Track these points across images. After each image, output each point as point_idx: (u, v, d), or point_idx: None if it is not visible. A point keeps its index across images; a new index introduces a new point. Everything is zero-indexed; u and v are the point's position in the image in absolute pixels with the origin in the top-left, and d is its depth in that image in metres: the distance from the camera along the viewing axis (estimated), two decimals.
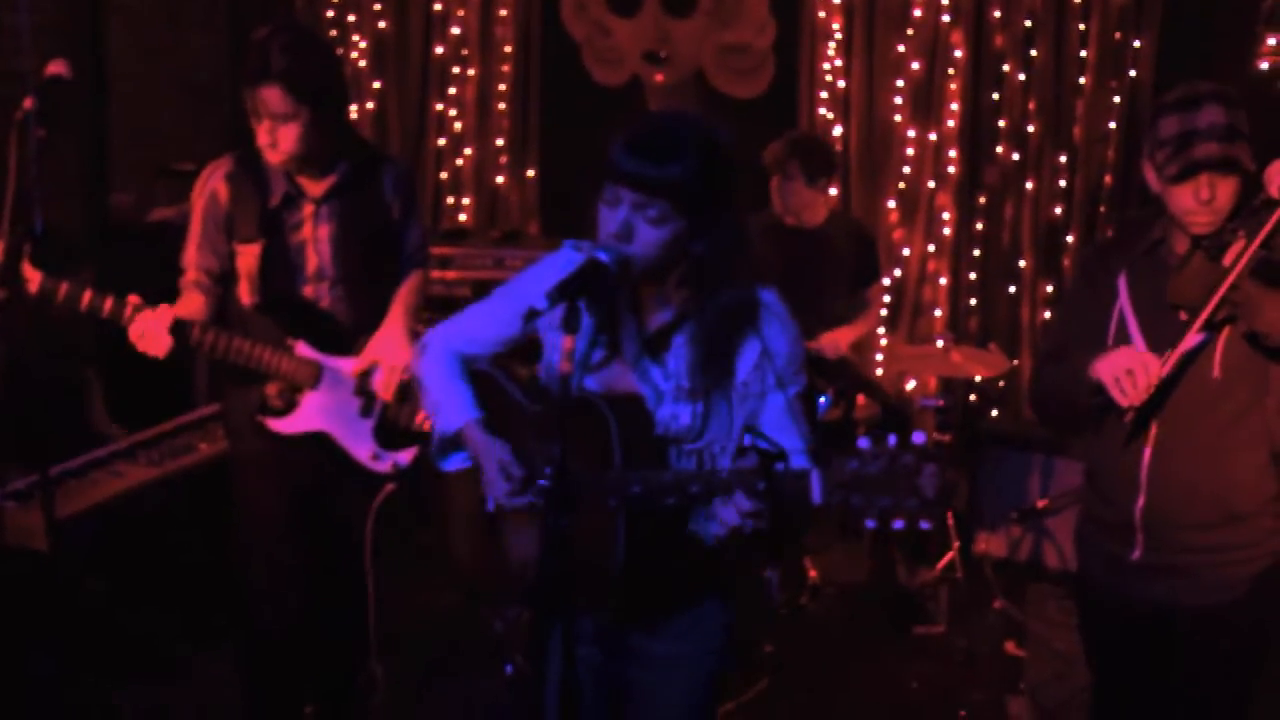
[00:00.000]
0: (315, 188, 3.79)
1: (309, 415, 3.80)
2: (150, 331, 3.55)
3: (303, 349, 3.77)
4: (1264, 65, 5.75)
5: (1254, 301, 2.81)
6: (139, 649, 4.56)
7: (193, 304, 3.77)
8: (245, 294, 3.77)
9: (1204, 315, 2.85)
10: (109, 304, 3.57)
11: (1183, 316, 2.91)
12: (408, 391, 3.83)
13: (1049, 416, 3.40)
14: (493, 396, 2.89)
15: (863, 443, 2.32)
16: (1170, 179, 2.90)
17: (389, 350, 3.81)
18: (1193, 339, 2.92)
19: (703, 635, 2.90)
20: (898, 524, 2.32)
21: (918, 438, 2.31)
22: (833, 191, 7.40)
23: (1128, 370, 2.87)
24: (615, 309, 2.70)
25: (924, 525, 2.31)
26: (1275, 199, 2.74)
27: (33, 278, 3.53)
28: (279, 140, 3.60)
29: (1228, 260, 2.83)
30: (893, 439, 2.30)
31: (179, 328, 3.58)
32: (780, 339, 2.73)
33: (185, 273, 3.83)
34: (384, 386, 3.80)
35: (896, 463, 2.27)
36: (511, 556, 2.82)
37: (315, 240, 3.79)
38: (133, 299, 3.59)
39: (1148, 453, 3.07)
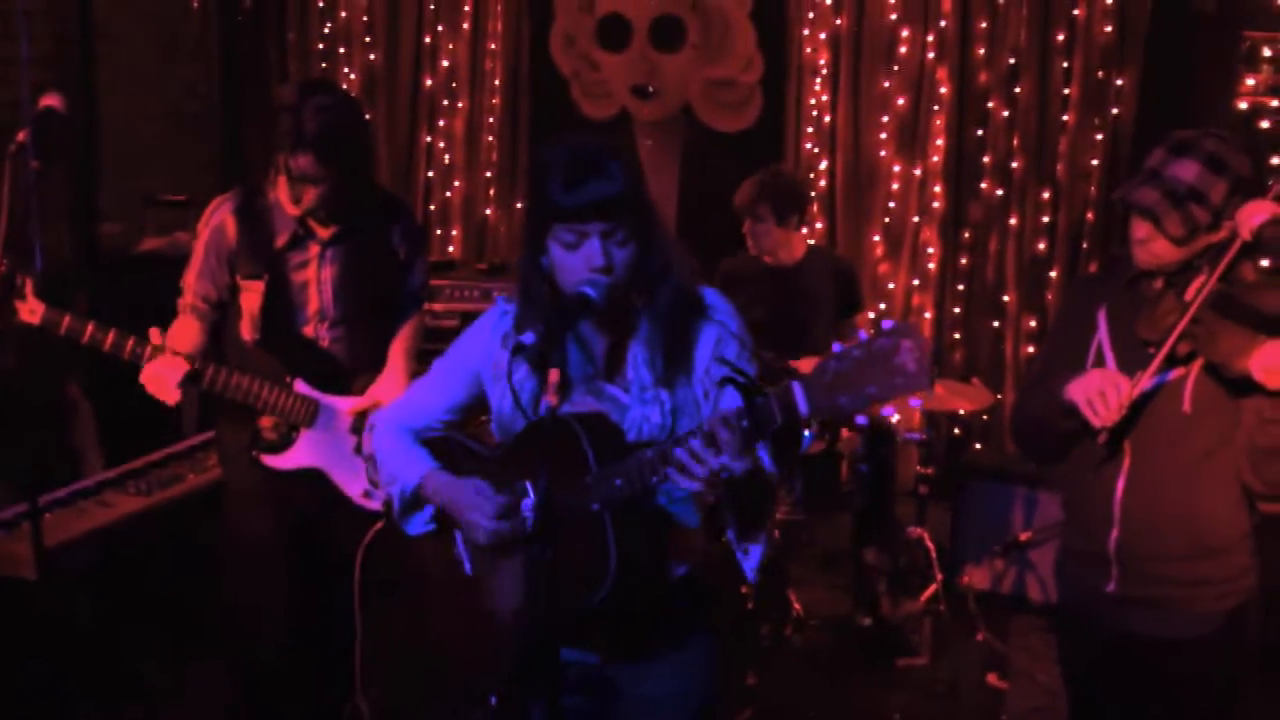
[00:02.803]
0: (324, 231, 3.82)
1: (304, 452, 3.83)
2: (163, 378, 3.57)
3: (301, 386, 3.80)
4: (1243, 105, 5.82)
5: (1211, 334, 2.86)
6: (128, 678, 4.56)
7: (189, 329, 3.80)
8: (246, 330, 3.80)
9: (1165, 348, 2.90)
10: (130, 344, 3.58)
11: (1151, 351, 2.96)
12: None
13: (1029, 444, 3.44)
14: (451, 454, 2.88)
15: (836, 347, 2.26)
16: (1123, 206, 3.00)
17: (390, 391, 3.85)
18: (1157, 374, 2.96)
19: (691, 673, 2.88)
20: (888, 411, 2.30)
21: (886, 324, 2.25)
22: (818, 225, 7.49)
23: (1100, 391, 2.91)
24: (560, 349, 2.65)
25: (914, 403, 2.26)
26: (1239, 236, 2.79)
27: (36, 309, 3.54)
28: (303, 197, 3.65)
29: (1189, 294, 2.89)
30: (863, 334, 2.24)
31: (189, 380, 3.61)
32: (732, 316, 2.76)
33: (184, 294, 3.85)
34: None
35: (873, 348, 2.20)
36: (501, 609, 2.78)
37: (319, 281, 3.82)
38: (154, 338, 3.61)
39: (1121, 485, 3.10)
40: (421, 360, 3.77)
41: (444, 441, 2.91)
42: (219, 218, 3.81)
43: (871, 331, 2.24)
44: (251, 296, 3.77)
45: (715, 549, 2.88)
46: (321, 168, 3.59)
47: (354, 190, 3.74)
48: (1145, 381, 2.94)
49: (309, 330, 3.85)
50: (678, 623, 2.84)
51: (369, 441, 2.97)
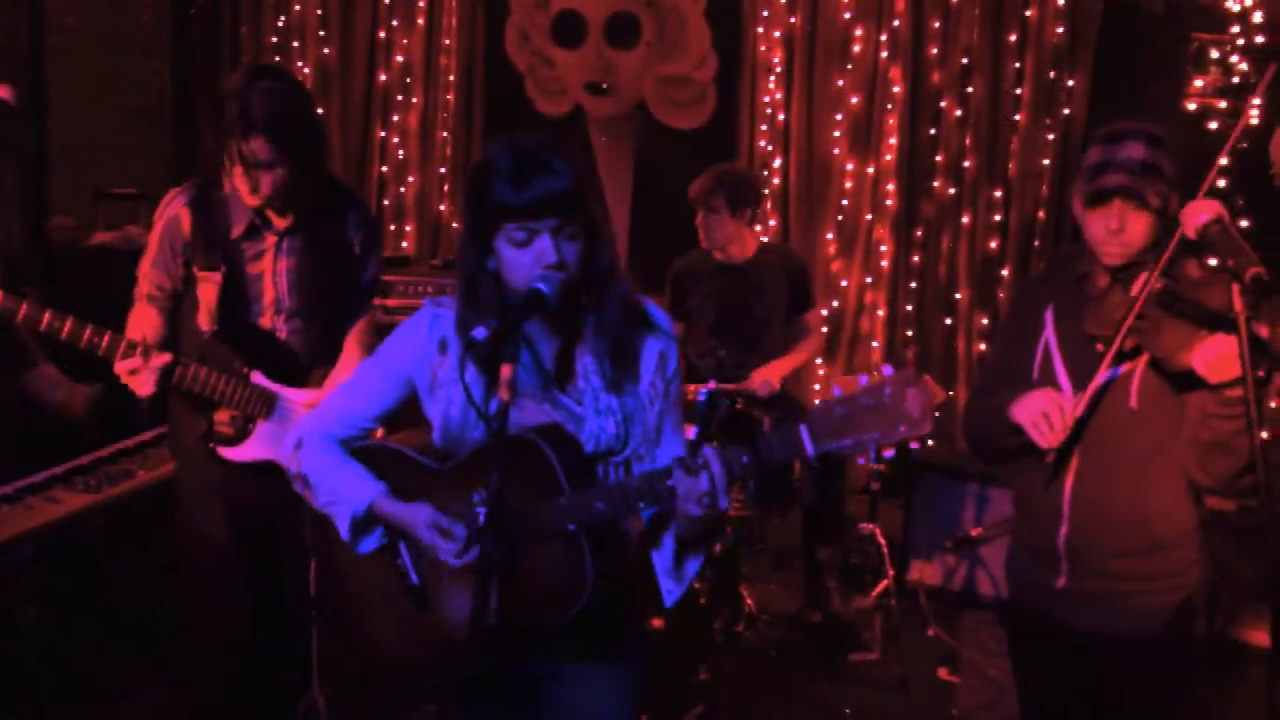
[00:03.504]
0: (280, 221, 3.80)
1: (260, 444, 3.80)
2: (144, 374, 3.54)
3: (258, 378, 3.77)
4: (1192, 106, 5.88)
5: (1156, 329, 2.89)
6: (77, 676, 4.53)
7: (149, 317, 3.75)
8: (204, 320, 3.76)
9: (1115, 345, 2.93)
10: (105, 340, 3.54)
11: (1099, 348, 2.99)
12: None
13: (977, 450, 3.47)
14: (392, 466, 2.82)
15: (837, 390, 2.34)
16: (1084, 204, 3.01)
17: None
18: (1109, 369, 3.00)
19: (626, 651, 2.90)
20: (889, 454, 2.37)
21: (887, 370, 2.33)
22: (771, 223, 7.52)
23: (1044, 413, 2.95)
24: (513, 347, 2.58)
25: (913, 446, 2.31)
26: (1182, 233, 2.82)
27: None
28: (260, 186, 3.62)
29: (1135, 290, 2.92)
30: (864, 379, 2.31)
31: (165, 374, 3.58)
32: (670, 344, 2.77)
33: (139, 283, 3.81)
34: None
35: (881, 397, 2.28)
36: (449, 620, 2.75)
37: (275, 273, 3.80)
38: (140, 342, 3.58)
39: (1070, 481, 3.13)
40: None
41: (385, 454, 2.85)
42: (174, 209, 3.77)
43: (873, 376, 2.31)
44: (208, 288, 3.73)
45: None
46: (274, 150, 3.56)
47: (309, 176, 3.72)
48: (1088, 396, 2.98)
49: (265, 322, 3.82)
50: (621, 629, 2.88)
51: (297, 460, 2.87)
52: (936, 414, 2.19)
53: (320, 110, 8.13)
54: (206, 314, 3.74)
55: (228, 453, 3.78)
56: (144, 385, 3.57)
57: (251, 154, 3.56)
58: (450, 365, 2.71)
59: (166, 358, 3.56)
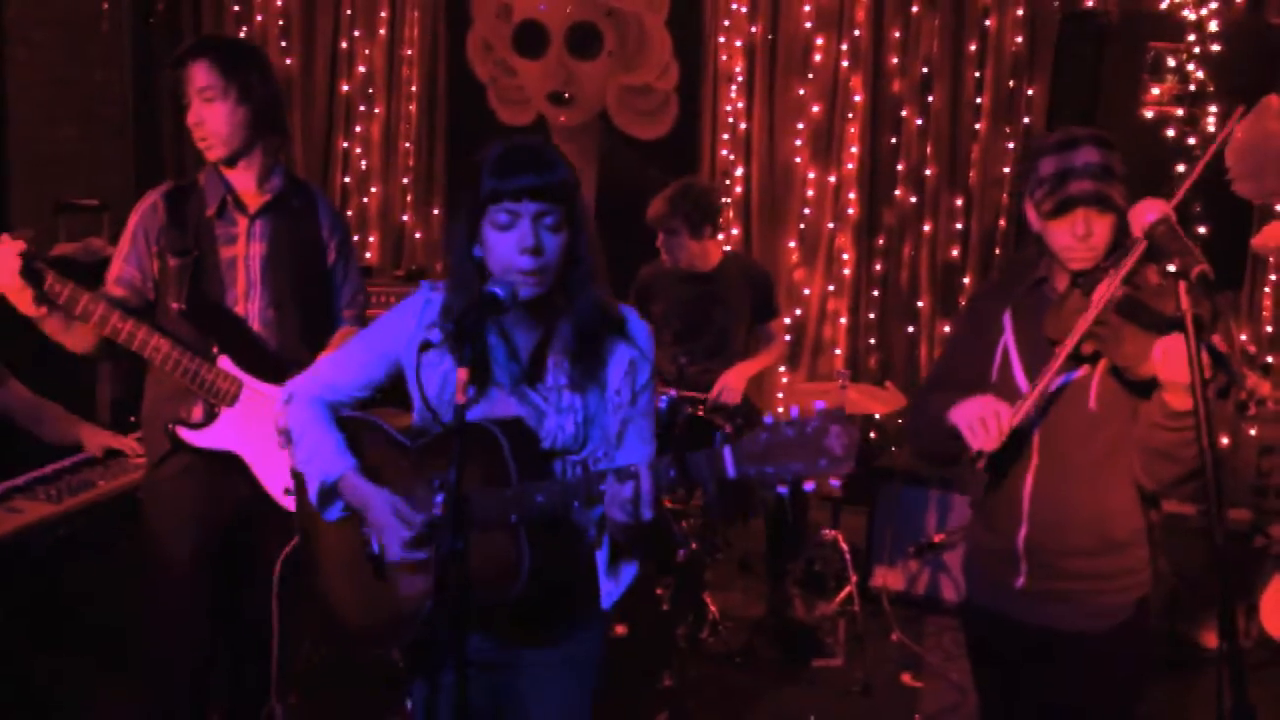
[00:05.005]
0: (253, 199, 3.78)
1: (223, 432, 3.75)
2: None
3: (225, 362, 3.74)
4: (1149, 113, 5.94)
5: (1116, 336, 2.92)
6: (35, 687, 4.49)
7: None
8: (173, 298, 3.73)
9: (1067, 349, 2.96)
10: None
11: (1057, 351, 3.02)
12: None
13: (920, 452, 3.50)
14: (368, 439, 2.91)
15: (768, 419, 2.38)
16: (1048, 215, 3.02)
17: None
18: (1061, 372, 3.03)
19: (580, 640, 2.95)
20: (809, 486, 2.41)
21: (818, 405, 2.38)
22: (734, 232, 7.54)
23: (981, 418, 2.98)
24: (483, 343, 2.75)
25: (834, 483, 2.36)
26: (1140, 237, 2.85)
27: None
28: (206, 119, 3.63)
29: (1096, 296, 2.95)
30: (795, 410, 2.36)
31: (31, 270, 3.47)
32: (650, 345, 2.84)
33: (105, 285, 3.78)
34: None
35: (805, 429, 2.33)
36: (403, 594, 2.81)
37: (247, 257, 3.78)
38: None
39: (1029, 481, 3.16)
40: None
41: (366, 425, 2.93)
42: (150, 199, 3.77)
43: (804, 410, 2.36)
44: (181, 270, 3.71)
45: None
46: (218, 76, 3.59)
47: (262, 124, 3.71)
48: (1029, 404, 3.01)
49: (239, 309, 3.80)
50: (573, 618, 2.92)
51: (284, 415, 2.98)
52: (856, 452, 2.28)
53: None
54: (176, 293, 3.71)
55: (190, 435, 3.74)
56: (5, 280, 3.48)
57: (193, 82, 3.58)
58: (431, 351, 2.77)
59: (22, 243, 3.46)
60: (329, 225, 3.97)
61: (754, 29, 7.57)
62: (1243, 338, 2.92)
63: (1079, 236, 2.98)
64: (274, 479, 3.81)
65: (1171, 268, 2.52)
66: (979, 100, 7.28)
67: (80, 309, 3.58)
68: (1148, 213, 2.69)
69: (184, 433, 3.75)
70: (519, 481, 2.62)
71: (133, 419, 4.51)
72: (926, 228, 7.45)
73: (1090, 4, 6.90)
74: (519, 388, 2.78)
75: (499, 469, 2.63)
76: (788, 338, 6.73)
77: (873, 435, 7.47)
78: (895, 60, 7.38)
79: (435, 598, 2.45)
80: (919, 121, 7.38)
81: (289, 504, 3.78)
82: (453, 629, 2.45)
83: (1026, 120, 7.16)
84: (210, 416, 3.76)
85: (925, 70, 7.34)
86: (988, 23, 7.19)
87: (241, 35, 8.21)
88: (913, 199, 7.46)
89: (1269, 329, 6.66)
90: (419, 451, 2.83)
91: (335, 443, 2.88)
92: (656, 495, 2.48)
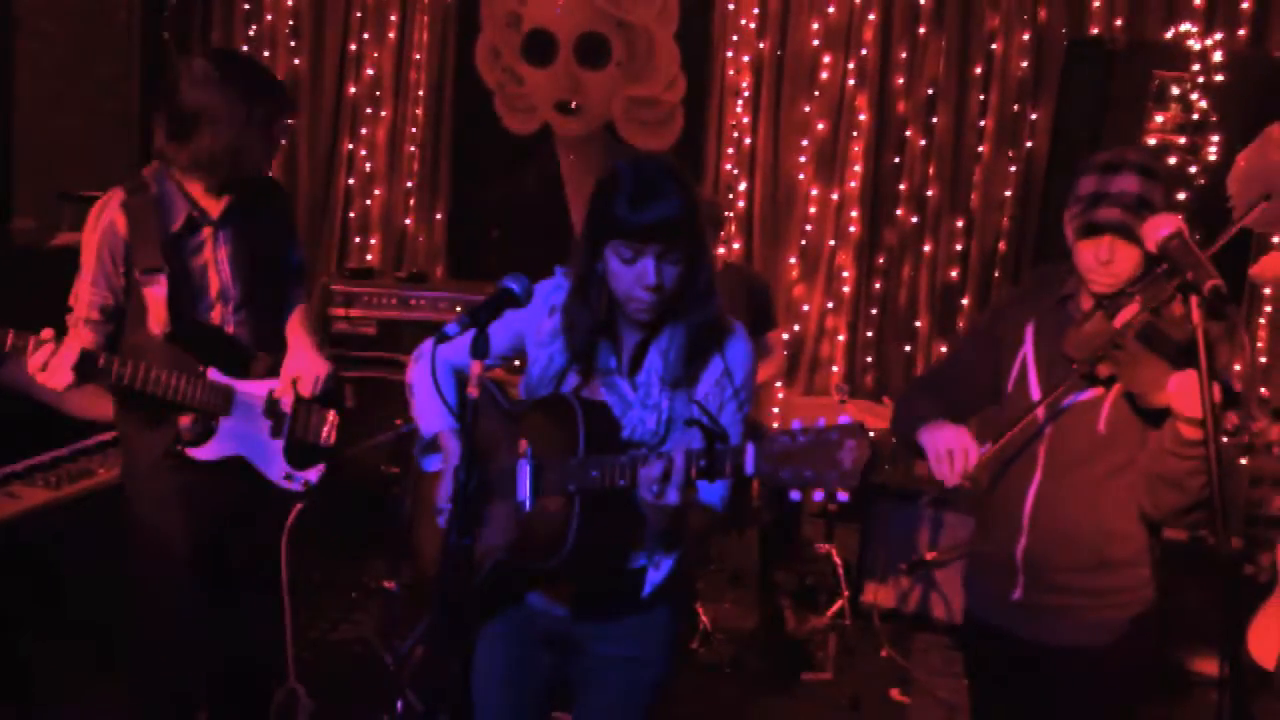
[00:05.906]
0: (214, 206, 3.76)
1: (225, 441, 3.77)
2: (54, 365, 3.47)
3: (214, 375, 3.74)
4: (1152, 141, 5.98)
5: (1134, 362, 2.94)
6: (33, 675, 4.49)
7: (83, 341, 3.59)
8: (155, 324, 3.69)
9: (1079, 371, 2.99)
10: (10, 337, 3.47)
11: (1075, 368, 3.03)
12: (312, 406, 3.89)
13: (900, 444, 3.51)
14: (479, 401, 2.98)
15: (795, 424, 2.45)
16: (1075, 234, 3.05)
17: (307, 364, 3.85)
18: (1080, 390, 3.05)
19: (648, 641, 3.04)
20: (818, 495, 2.44)
21: (843, 419, 2.43)
22: (735, 246, 7.56)
23: (948, 451, 3.01)
24: (592, 338, 2.91)
25: (841, 497, 2.40)
26: (1163, 264, 2.86)
27: None
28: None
29: (1119, 321, 2.96)
30: (821, 420, 2.44)
31: (85, 360, 3.48)
32: (743, 362, 2.93)
33: (75, 309, 3.69)
34: (308, 387, 3.84)
35: (821, 437, 2.40)
36: (480, 543, 2.97)
37: (216, 262, 3.77)
38: (46, 333, 3.51)
39: (1031, 496, 3.18)
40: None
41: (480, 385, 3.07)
42: (107, 216, 3.66)
43: (829, 422, 2.43)
44: (154, 291, 3.66)
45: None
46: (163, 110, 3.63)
47: (170, 132, 3.70)
48: (1004, 441, 3.05)
49: (215, 316, 3.78)
50: (638, 602, 3.00)
51: (414, 369, 3.21)
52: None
53: (289, 121, 8.12)
54: (156, 316, 3.68)
55: (196, 452, 3.74)
56: (57, 376, 3.48)
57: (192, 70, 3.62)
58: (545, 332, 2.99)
59: (79, 346, 3.47)
60: (280, 206, 4.02)
61: (762, 45, 7.61)
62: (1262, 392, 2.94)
63: (1101, 261, 2.99)
64: (273, 468, 3.85)
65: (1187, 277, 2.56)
66: (983, 123, 7.32)
67: (120, 378, 3.58)
68: (1162, 227, 2.71)
69: (191, 452, 3.75)
70: (584, 454, 2.74)
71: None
72: (927, 248, 7.48)
73: (1096, 31, 6.95)
74: (611, 379, 2.93)
75: (570, 439, 2.77)
76: (785, 352, 6.76)
77: None
78: (901, 80, 7.43)
79: (437, 586, 2.54)
80: (923, 142, 7.43)
81: (289, 488, 3.85)
82: (452, 618, 2.52)
83: (1029, 144, 7.20)
84: (206, 426, 3.76)
85: (930, 91, 7.39)
86: (994, 46, 7.24)
87: (251, 34, 8.26)
88: (914, 219, 7.49)
89: (1263, 360, 6.70)
90: (513, 418, 3.01)
91: (439, 404, 3.08)
92: (686, 480, 2.56)
